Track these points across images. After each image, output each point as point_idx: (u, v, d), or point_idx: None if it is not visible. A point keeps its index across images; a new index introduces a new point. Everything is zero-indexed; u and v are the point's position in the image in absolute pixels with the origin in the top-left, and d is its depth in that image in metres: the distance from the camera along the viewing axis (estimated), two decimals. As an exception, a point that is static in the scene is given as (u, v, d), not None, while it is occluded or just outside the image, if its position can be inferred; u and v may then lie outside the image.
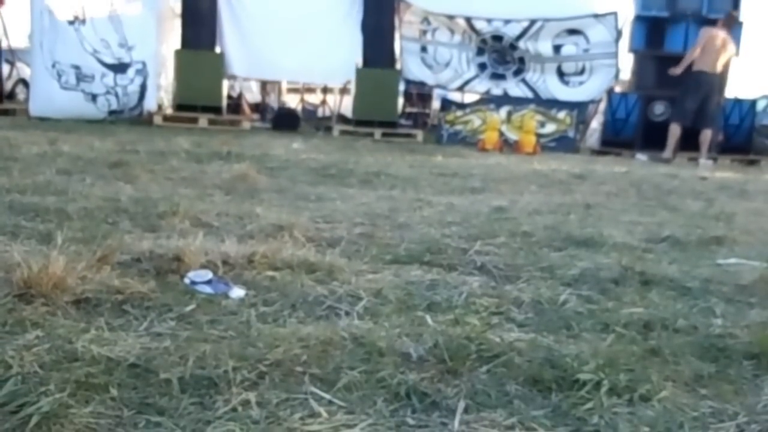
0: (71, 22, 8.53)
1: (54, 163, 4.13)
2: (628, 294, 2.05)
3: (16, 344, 1.35)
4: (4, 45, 9.03)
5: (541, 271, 2.26)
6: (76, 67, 8.62)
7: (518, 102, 9.09)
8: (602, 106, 9.33)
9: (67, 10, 8.51)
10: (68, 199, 2.92)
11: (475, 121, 9.05)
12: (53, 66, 8.52)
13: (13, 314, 1.52)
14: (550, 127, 8.97)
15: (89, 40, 8.61)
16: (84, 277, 1.74)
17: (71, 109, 8.39)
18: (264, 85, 12.25)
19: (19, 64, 9.83)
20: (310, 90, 12.27)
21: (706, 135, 7.99)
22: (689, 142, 8.00)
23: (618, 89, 9.39)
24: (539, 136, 8.69)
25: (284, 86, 12.63)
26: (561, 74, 9.16)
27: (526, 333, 1.66)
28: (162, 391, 1.24)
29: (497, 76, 9.37)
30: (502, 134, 8.70)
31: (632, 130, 8.79)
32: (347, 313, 1.72)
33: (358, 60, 9.28)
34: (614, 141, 8.86)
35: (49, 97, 8.46)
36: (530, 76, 9.25)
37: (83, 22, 8.56)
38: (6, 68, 9.30)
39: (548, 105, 9.04)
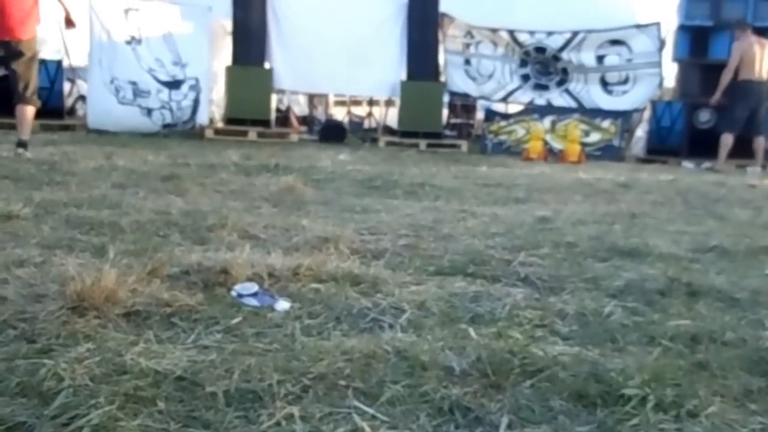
0: (128, 42, 8.83)
1: (109, 177, 4.26)
2: (674, 306, 2.00)
3: (69, 357, 1.39)
4: (66, 63, 9.39)
5: (585, 282, 2.22)
6: (133, 83, 8.92)
7: (562, 111, 9.09)
8: (647, 114, 9.29)
9: (124, 30, 8.81)
10: (122, 213, 3.00)
11: (519, 131, 9.07)
12: (111, 82, 8.83)
13: (66, 327, 1.57)
14: (594, 136, 8.94)
15: (145, 59, 8.91)
16: (135, 290, 1.78)
17: (127, 123, 8.68)
18: (311, 98, 12.40)
19: (78, 82, 10.19)
20: (357, 102, 12.38)
21: (759, 142, 7.89)
22: (735, 150, 7.88)
23: (662, 98, 9.33)
24: (584, 145, 8.65)
25: (331, 99, 12.77)
26: (604, 84, 9.19)
27: (570, 346, 1.63)
28: (208, 404, 1.26)
29: (541, 87, 9.43)
30: (546, 144, 8.68)
31: (677, 138, 8.73)
32: (391, 326, 1.72)
33: (403, 73, 9.37)
34: (660, 149, 8.79)
35: (106, 111, 8.77)
36: (574, 86, 9.30)
37: (139, 41, 8.86)
38: (67, 86, 9.65)
39: (592, 114, 9.03)
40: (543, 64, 9.32)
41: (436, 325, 1.74)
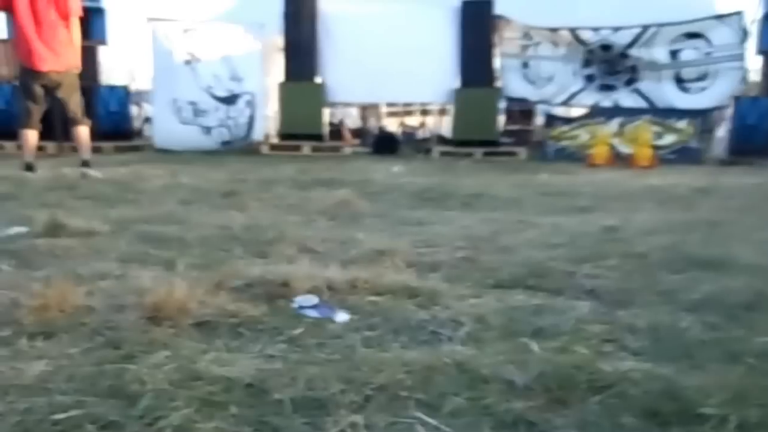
0: (187, 62, 9.15)
1: (175, 194, 4.43)
2: (760, 321, 1.87)
3: (150, 362, 1.49)
4: (132, 88, 9.83)
5: (658, 295, 2.13)
6: (193, 103, 9.24)
7: (631, 113, 8.57)
8: (729, 112, 8.59)
9: (184, 51, 9.15)
10: (188, 228, 3.12)
11: (583, 135, 8.65)
12: (173, 103, 9.16)
13: (145, 335, 1.68)
14: (668, 138, 8.40)
15: (203, 77, 9.21)
16: (203, 302, 1.87)
17: (189, 142, 8.97)
18: (363, 110, 12.52)
19: (145, 104, 10.63)
20: (409, 113, 12.42)
21: None
22: None
23: (746, 94, 8.71)
24: (656, 148, 8.15)
25: (383, 110, 12.86)
26: (680, 81, 8.59)
27: (641, 362, 1.57)
28: (276, 410, 1.32)
29: (607, 87, 8.94)
30: (613, 148, 8.26)
31: (764, 137, 7.97)
32: (450, 339, 1.74)
33: (457, 80, 9.29)
34: (744, 149, 8.00)
35: (170, 131, 9.10)
36: (644, 84, 8.75)
37: (197, 60, 9.16)
38: (134, 109, 10.09)
39: (666, 114, 8.46)
40: (609, 62, 8.85)
41: (496, 338, 1.74)
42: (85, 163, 5.62)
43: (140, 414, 1.26)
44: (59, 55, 5.55)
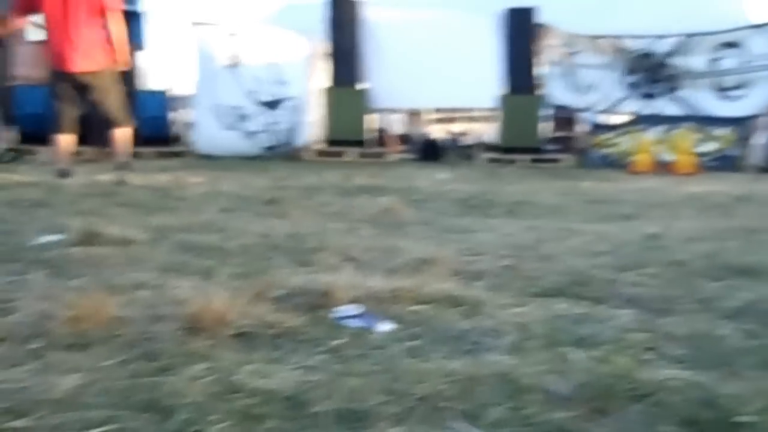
0: (231, 66, 9.26)
1: (216, 201, 4.44)
2: None
3: (188, 374, 1.48)
4: (172, 93, 9.96)
5: (697, 303, 2.12)
6: (235, 108, 9.34)
7: (672, 121, 8.63)
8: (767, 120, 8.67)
9: (227, 55, 9.25)
10: (228, 237, 3.12)
11: (625, 143, 8.72)
12: (216, 108, 9.28)
13: (182, 347, 1.66)
14: (709, 146, 8.45)
15: (246, 81, 9.30)
16: (243, 312, 1.85)
17: (231, 147, 9.06)
18: (408, 116, 12.51)
19: (185, 109, 10.77)
20: (455, 119, 12.37)
21: None
22: None
23: None
24: (698, 155, 8.20)
25: (428, 117, 12.83)
26: (719, 89, 8.65)
27: (680, 370, 1.57)
28: (316, 423, 1.30)
29: (648, 96, 9.00)
30: (655, 155, 8.30)
31: None
32: (492, 348, 1.71)
33: (501, 86, 9.28)
34: None
35: (212, 137, 9.21)
36: (684, 93, 8.80)
37: (241, 64, 9.27)
38: (174, 114, 10.22)
39: (706, 122, 8.51)
40: (651, 70, 8.92)
41: (538, 348, 1.72)
42: (122, 167, 5.47)
43: (176, 428, 1.25)
44: (88, 55, 5.37)
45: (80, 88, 5.43)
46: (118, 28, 5.50)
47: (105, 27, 5.45)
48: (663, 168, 8.03)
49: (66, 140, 5.52)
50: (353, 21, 9.45)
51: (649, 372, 1.53)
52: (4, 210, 3.93)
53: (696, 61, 8.68)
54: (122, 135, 5.57)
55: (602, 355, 1.65)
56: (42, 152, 8.49)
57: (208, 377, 1.46)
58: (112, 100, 5.52)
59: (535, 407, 1.36)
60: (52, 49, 5.41)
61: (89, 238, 2.85)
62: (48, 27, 5.43)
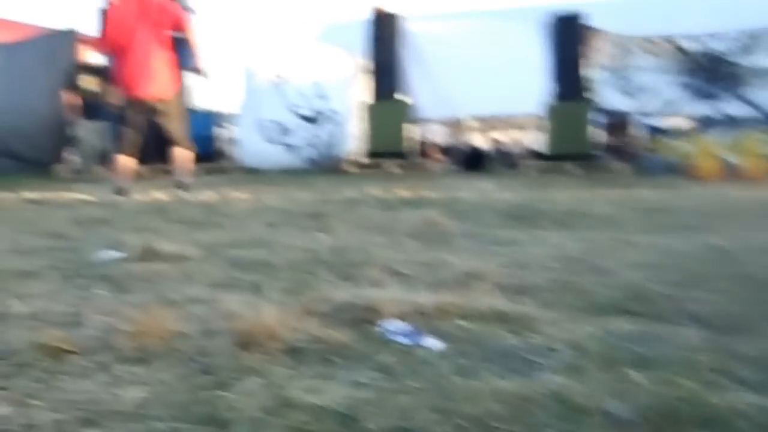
0: (275, 83, 9.42)
1: (261, 216, 4.52)
2: None
3: (242, 390, 1.50)
4: (217, 110, 10.20)
5: None
6: (279, 123, 9.50)
7: (738, 122, 8.27)
8: None
9: (272, 71, 9.42)
10: (275, 252, 3.16)
11: (686, 147, 8.36)
12: (259, 123, 9.45)
13: (236, 361, 1.69)
14: None
15: (290, 96, 9.46)
16: (292, 327, 1.87)
17: (275, 161, 9.22)
18: (451, 126, 12.48)
19: (229, 126, 11.01)
20: (499, 128, 12.30)
21: None
22: None
23: None
24: (767, 158, 7.80)
25: (471, 126, 12.78)
26: None
27: (750, 394, 1.49)
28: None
29: (709, 96, 8.67)
30: (719, 160, 7.92)
31: None
32: (544, 367, 1.68)
33: (549, 94, 9.18)
34: None
35: (255, 151, 9.39)
36: (751, 92, 8.45)
37: (285, 80, 9.42)
38: (219, 130, 10.46)
39: None
40: (711, 71, 8.62)
41: (594, 367, 1.67)
42: (181, 185, 5.74)
43: (234, 444, 1.26)
44: (157, 82, 5.65)
45: (148, 112, 5.69)
46: (193, 37, 5.75)
47: (172, 53, 5.72)
48: (729, 173, 7.63)
49: (127, 161, 5.81)
50: (394, 35, 9.53)
51: (717, 395, 1.46)
52: (69, 227, 4.09)
53: (762, 58, 8.30)
54: (184, 156, 5.82)
55: (665, 377, 1.58)
56: (100, 171, 8.85)
57: (262, 392, 1.48)
58: (177, 123, 5.82)
59: (593, 430, 1.32)
60: (123, 76, 5.65)
61: (147, 255, 2.95)
62: (118, 54, 5.66)
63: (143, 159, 6.91)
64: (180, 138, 5.83)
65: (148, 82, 5.63)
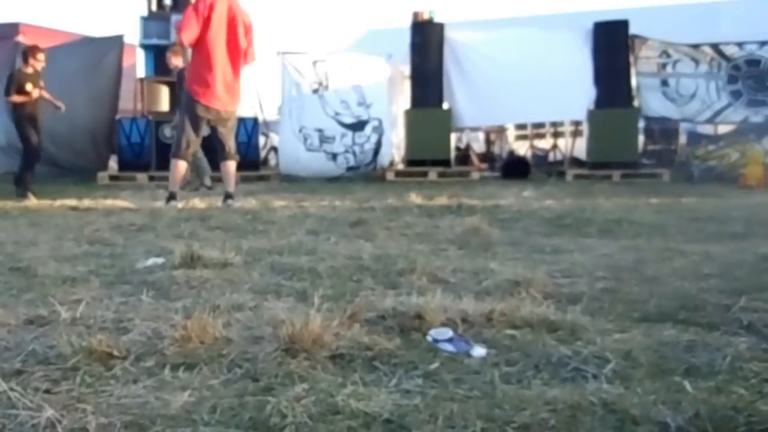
0: (315, 90, 9.49)
1: (303, 224, 4.54)
2: None
3: (288, 395, 1.50)
4: (260, 119, 10.31)
5: None
6: (319, 130, 9.56)
7: None
8: None
9: (312, 80, 9.50)
10: (318, 259, 3.17)
11: (733, 154, 8.30)
12: (300, 131, 9.52)
13: (282, 367, 1.69)
14: None
15: (331, 104, 9.52)
16: (338, 334, 1.87)
17: (314, 168, 9.28)
18: (489, 134, 12.41)
19: (271, 134, 11.12)
20: (540, 135, 12.19)
21: None
22: None
23: None
24: None
25: (512, 134, 12.70)
26: None
27: None
28: (414, 448, 1.28)
29: (756, 103, 8.58)
30: (767, 167, 7.78)
31: None
32: (594, 377, 1.65)
33: (590, 101, 9.09)
34: None
35: (296, 159, 9.46)
36: None
37: (326, 88, 9.48)
38: (261, 139, 10.56)
39: None
40: (757, 78, 8.54)
41: (645, 376, 1.64)
42: (230, 196, 5.79)
43: (282, 449, 1.26)
44: (232, 96, 5.74)
45: (212, 123, 5.75)
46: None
47: (240, 72, 5.78)
48: None
49: (182, 167, 5.86)
50: (435, 43, 9.53)
51: None
52: (113, 234, 4.16)
53: None
54: (233, 167, 5.89)
55: (717, 386, 1.56)
56: (138, 178, 9.02)
57: (308, 398, 1.48)
58: (233, 136, 5.90)
59: None
60: (202, 82, 5.63)
61: (190, 261, 2.96)
62: (202, 58, 5.64)
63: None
64: (234, 150, 5.91)
65: (226, 92, 5.67)
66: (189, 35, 5.57)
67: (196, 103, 5.67)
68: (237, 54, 5.70)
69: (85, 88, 9.79)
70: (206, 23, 5.54)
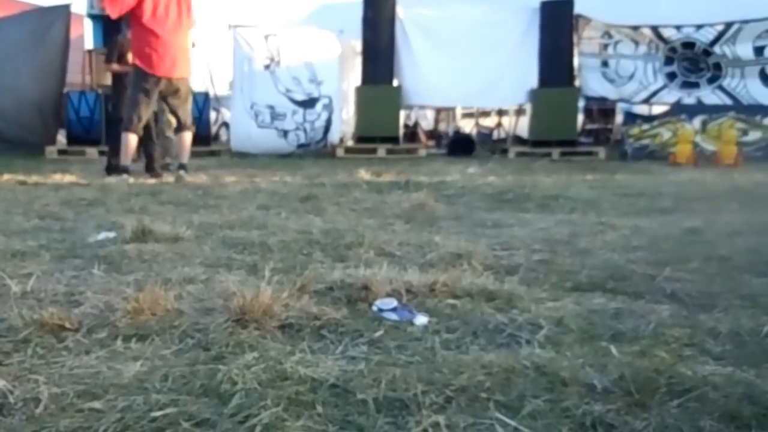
0: (267, 66, 9.39)
1: (254, 199, 4.56)
2: None
3: (239, 363, 1.55)
4: (211, 94, 10.15)
5: (741, 299, 2.09)
6: (271, 107, 9.48)
7: (715, 110, 8.45)
8: None
9: (264, 56, 9.39)
10: (268, 233, 3.22)
11: (665, 133, 8.57)
12: (251, 107, 9.43)
13: (232, 337, 1.75)
14: (754, 135, 8.28)
15: (282, 80, 9.43)
16: (287, 305, 1.93)
17: (266, 145, 9.22)
18: (438, 112, 12.51)
19: (222, 110, 10.97)
20: (485, 114, 12.35)
21: None
22: None
23: None
24: (741, 145, 7.99)
25: (459, 112, 12.83)
26: (765, 77, 8.45)
27: (722, 366, 1.56)
28: (360, 410, 1.36)
29: (689, 85, 8.84)
30: (696, 146, 8.12)
31: None
32: (528, 342, 1.75)
33: (534, 80, 9.24)
34: None
35: (247, 135, 9.38)
36: (728, 81, 8.64)
37: (277, 63, 9.39)
38: (212, 114, 10.42)
39: (751, 111, 8.32)
40: (692, 60, 8.78)
41: (574, 341, 1.74)
42: (183, 167, 5.75)
43: (232, 412, 1.32)
44: (181, 62, 5.63)
45: (164, 92, 5.63)
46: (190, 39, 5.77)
47: (187, 37, 5.70)
48: (704, 159, 7.81)
49: (134, 140, 5.75)
50: (386, 18, 9.51)
51: (690, 367, 1.52)
52: (63, 209, 4.11)
53: (741, 49, 8.48)
54: (188, 138, 5.82)
55: (641, 350, 1.65)
56: (88, 153, 8.81)
57: (258, 365, 1.53)
58: (187, 106, 5.81)
59: (573, 400, 1.37)
60: (148, 52, 5.51)
61: (141, 235, 2.97)
62: (143, 30, 5.52)
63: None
64: (189, 121, 5.82)
65: (174, 59, 5.56)
66: (117, 8, 5.45)
67: (145, 74, 5.57)
68: (180, 19, 5.62)
69: (31, 60, 9.44)
70: None
